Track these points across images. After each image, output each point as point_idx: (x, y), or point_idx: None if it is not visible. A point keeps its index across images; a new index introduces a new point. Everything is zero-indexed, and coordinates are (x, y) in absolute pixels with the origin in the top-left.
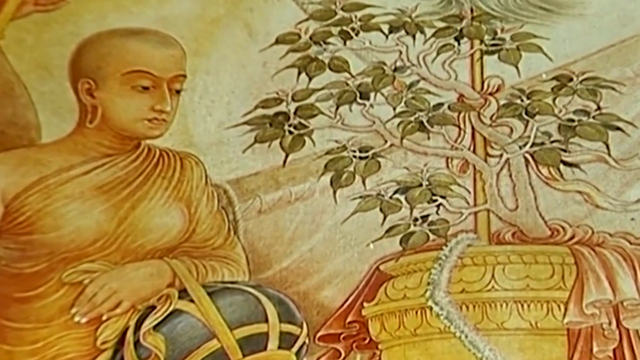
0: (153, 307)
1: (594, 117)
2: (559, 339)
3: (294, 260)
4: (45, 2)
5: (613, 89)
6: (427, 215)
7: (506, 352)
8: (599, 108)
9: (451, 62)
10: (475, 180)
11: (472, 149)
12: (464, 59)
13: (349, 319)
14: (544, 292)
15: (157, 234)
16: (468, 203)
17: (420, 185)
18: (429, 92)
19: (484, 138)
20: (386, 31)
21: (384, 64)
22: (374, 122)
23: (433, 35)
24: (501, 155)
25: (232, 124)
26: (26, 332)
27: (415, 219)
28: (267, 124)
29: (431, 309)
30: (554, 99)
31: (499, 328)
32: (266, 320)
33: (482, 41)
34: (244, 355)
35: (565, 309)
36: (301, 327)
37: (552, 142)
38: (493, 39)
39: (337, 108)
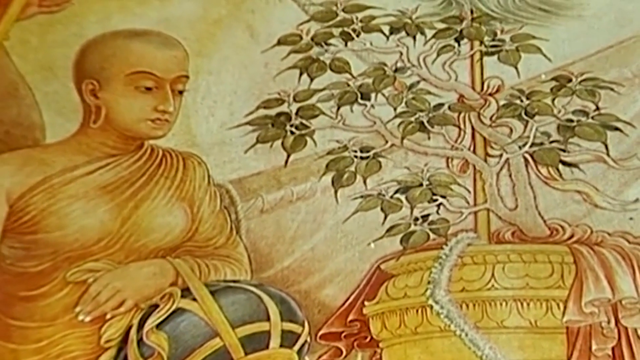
0: (156, 306)
1: (592, 118)
2: (558, 338)
3: (296, 259)
4: (49, 4)
5: (611, 89)
6: (428, 215)
7: (506, 350)
8: (597, 108)
9: (451, 63)
10: (475, 180)
11: (472, 149)
12: (464, 60)
13: (350, 317)
14: (543, 291)
15: (160, 233)
16: (468, 202)
17: (421, 185)
18: (429, 92)
19: (484, 138)
20: (387, 32)
21: (385, 65)
22: (374, 123)
23: (433, 36)
24: (501, 155)
25: (234, 124)
26: (31, 331)
27: (416, 219)
28: (269, 124)
29: (431, 307)
30: (553, 100)
31: (499, 326)
32: (268, 319)
33: (482, 42)
34: (246, 354)
35: (565, 308)
36: (303, 325)
37: (552, 142)
38: (493, 40)
39: (338, 108)
